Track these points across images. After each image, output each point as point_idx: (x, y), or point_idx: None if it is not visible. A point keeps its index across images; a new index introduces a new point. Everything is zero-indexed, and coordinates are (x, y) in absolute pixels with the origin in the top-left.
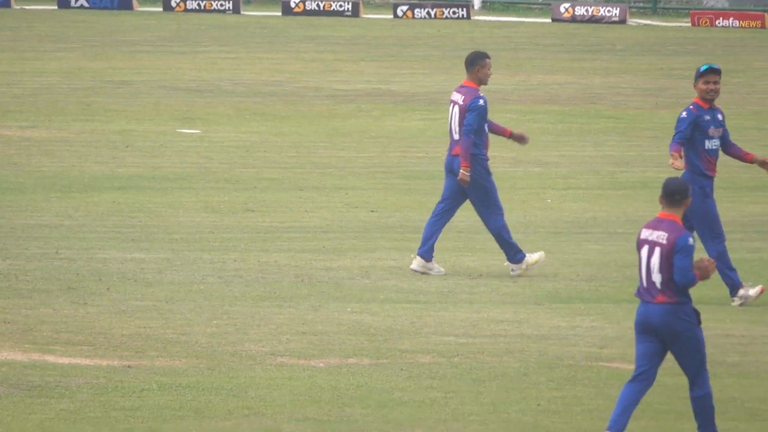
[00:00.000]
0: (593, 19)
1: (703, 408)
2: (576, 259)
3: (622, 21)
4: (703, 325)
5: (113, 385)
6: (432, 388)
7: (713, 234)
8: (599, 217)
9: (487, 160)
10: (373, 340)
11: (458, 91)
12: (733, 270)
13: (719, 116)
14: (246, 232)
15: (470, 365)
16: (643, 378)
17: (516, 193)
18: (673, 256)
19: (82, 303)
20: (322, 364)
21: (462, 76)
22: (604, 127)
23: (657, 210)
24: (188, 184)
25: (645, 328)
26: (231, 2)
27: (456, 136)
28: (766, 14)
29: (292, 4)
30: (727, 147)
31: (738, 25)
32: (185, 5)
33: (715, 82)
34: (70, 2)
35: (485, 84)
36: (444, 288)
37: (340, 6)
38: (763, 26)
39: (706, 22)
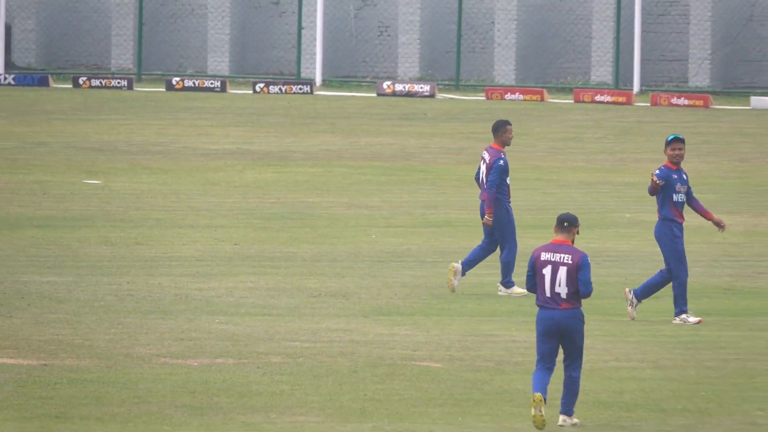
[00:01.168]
0: (409, 94)
1: (574, 387)
2: (394, 282)
3: (432, 95)
4: (496, 333)
5: (32, 380)
6: (282, 382)
7: (681, 265)
8: (413, 249)
9: (509, 202)
10: (236, 345)
11: (487, 151)
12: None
13: (684, 176)
14: (136, 260)
15: (311, 364)
16: (549, 369)
17: (348, 230)
18: (579, 272)
19: (7, 315)
20: (196, 363)
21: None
22: (417, 179)
23: (457, 244)
24: (92, 224)
25: (550, 330)
26: (126, 81)
27: (485, 186)
28: (544, 90)
29: (174, 82)
30: (690, 201)
31: (522, 98)
32: (90, 83)
33: (680, 149)
34: (0, 80)
35: (508, 145)
36: (291, 304)
37: (211, 84)
38: (542, 99)
39: (497, 96)
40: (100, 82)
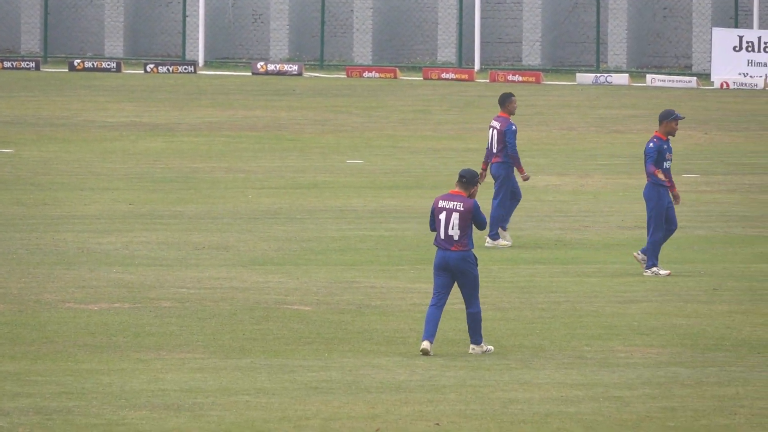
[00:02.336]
0: (280, 73)
1: (474, 321)
2: (268, 236)
3: (300, 74)
4: (358, 280)
5: None
6: (171, 324)
7: (659, 225)
8: (284, 208)
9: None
10: (131, 291)
11: (496, 120)
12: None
13: (671, 147)
14: (44, 219)
15: (197, 308)
16: (441, 304)
17: (228, 191)
18: (473, 214)
19: None
20: (96, 308)
21: None
22: (288, 147)
23: (323, 203)
24: (5, 187)
25: (443, 268)
26: (34, 62)
27: (495, 150)
28: (397, 68)
29: (75, 64)
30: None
31: (378, 76)
32: (2, 65)
33: (678, 126)
34: None
35: (513, 114)
36: (179, 256)
37: (108, 65)
38: (395, 77)
39: (356, 74)
40: (11, 64)
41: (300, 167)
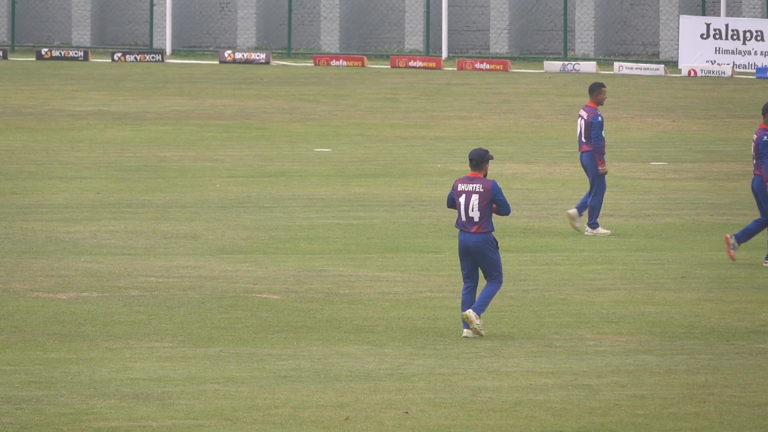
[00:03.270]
0: (247, 61)
1: (488, 293)
2: (237, 225)
3: (267, 62)
4: (326, 269)
5: None
6: (140, 312)
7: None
8: (252, 196)
9: (604, 153)
10: (99, 280)
11: (584, 109)
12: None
13: None
14: (12, 208)
15: (165, 297)
16: (473, 286)
17: (196, 180)
18: (494, 197)
19: None
20: (64, 297)
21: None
22: (255, 135)
23: (291, 192)
24: None
25: (465, 253)
26: (1, 51)
27: (583, 140)
28: (364, 57)
29: (43, 53)
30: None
31: (345, 64)
32: None
33: None
34: None
35: (602, 104)
36: (147, 245)
37: (75, 54)
38: (362, 65)
39: (324, 62)
40: None
41: (268, 156)
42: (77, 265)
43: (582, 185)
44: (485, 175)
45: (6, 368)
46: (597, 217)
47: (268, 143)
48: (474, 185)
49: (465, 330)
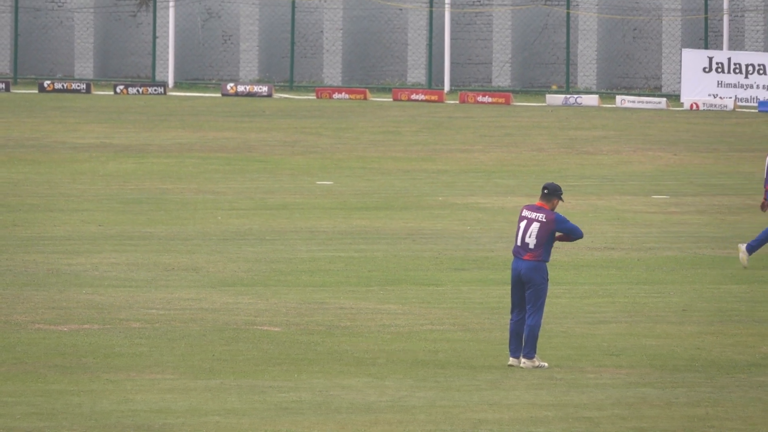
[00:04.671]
0: (250, 94)
1: (530, 333)
2: (238, 257)
3: (269, 95)
4: (327, 302)
5: None
6: (141, 344)
7: None
8: (254, 229)
9: None
10: (101, 312)
11: None
12: None
13: None
14: (14, 240)
15: (166, 329)
16: (522, 317)
17: (197, 213)
18: (559, 228)
19: None
20: (65, 329)
21: None
22: (257, 168)
23: (293, 224)
24: None
25: (514, 279)
26: (4, 84)
27: None
28: (367, 90)
29: (45, 85)
30: None
31: (348, 97)
32: None
33: None
34: None
35: None
36: (148, 277)
37: (78, 86)
38: (365, 98)
39: (326, 95)
40: None
41: (270, 188)
42: (79, 297)
43: (584, 218)
44: (552, 209)
45: (8, 399)
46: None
47: (270, 176)
48: (538, 214)
49: (511, 359)
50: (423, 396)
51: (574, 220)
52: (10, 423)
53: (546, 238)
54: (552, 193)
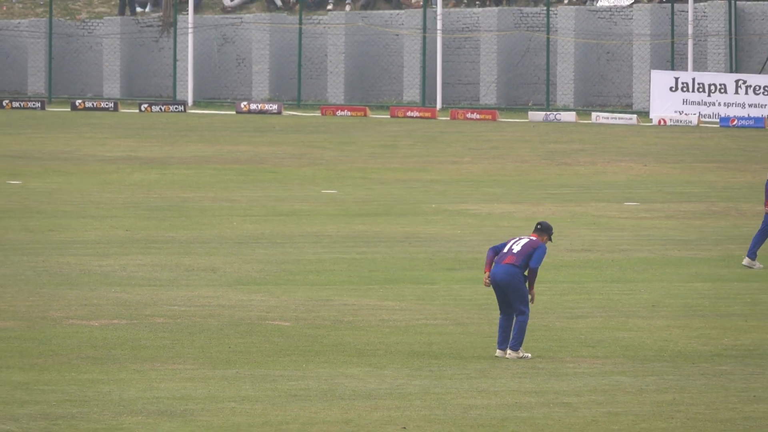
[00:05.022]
0: (261, 111)
1: (520, 326)
2: (252, 259)
3: (279, 112)
4: (332, 298)
5: None
6: (164, 338)
7: None
8: (266, 233)
9: None
10: (128, 308)
11: None
12: None
13: None
14: (49, 243)
15: (187, 323)
16: (509, 314)
17: (215, 218)
18: (537, 252)
19: None
20: (97, 324)
21: None
22: (268, 178)
23: (301, 229)
24: (13, 215)
25: (493, 284)
26: (39, 103)
27: None
28: (367, 107)
29: (77, 104)
30: None
31: (350, 114)
32: (11, 105)
33: None
34: None
35: None
36: (171, 277)
37: (106, 105)
38: (365, 115)
39: (330, 113)
40: (19, 104)
41: (280, 197)
42: (108, 295)
43: (563, 223)
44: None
45: (44, 388)
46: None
47: (280, 185)
48: (528, 237)
49: (499, 350)
50: (418, 384)
51: (555, 224)
52: (47, 409)
53: (528, 254)
54: (544, 230)
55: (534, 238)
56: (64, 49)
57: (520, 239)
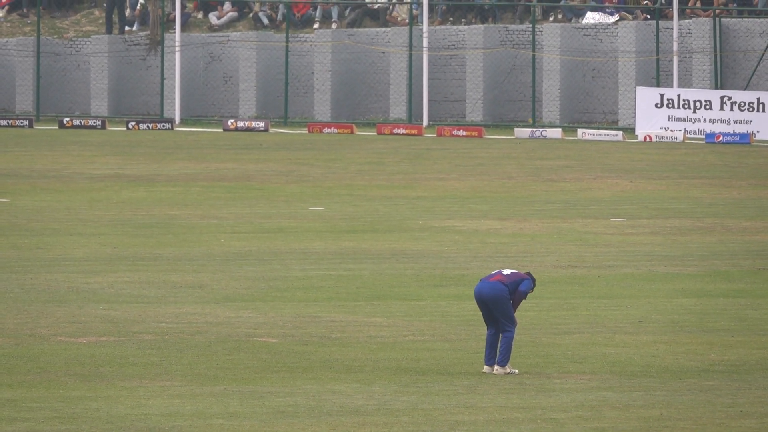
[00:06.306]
0: (248, 129)
1: (506, 342)
2: (239, 276)
3: (266, 130)
4: (319, 315)
5: None
6: (152, 355)
7: None
8: (253, 250)
9: None
10: (116, 326)
11: None
12: None
13: None
14: (37, 261)
15: (175, 340)
16: (494, 330)
17: (202, 236)
18: (523, 285)
19: None
20: (85, 341)
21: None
22: (255, 195)
23: (288, 246)
24: (2, 233)
25: (478, 301)
26: (27, 121)
27: None
28: (353, 125)
29: (65, 122)
30: None
31: (336, 131)
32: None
33: None
34: None
35: None
36: (158, 294)
37: (94, 122)
38: (352, 132)
39: (317, 130)
40: (7, 122)
41: (267, 214)
42: (96, 313)
43: (549, 239)
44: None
45: (32, 405)
46: None
47: (267, 202)
48: (520, 272)
49: (486, 366)
50: (406, 400)
51: (541, 240)
52: (35, 426)
53: (517, 282)
54: (529, 274)
55: (522, 273)
56: (51, 68)
57: (509, 268)
